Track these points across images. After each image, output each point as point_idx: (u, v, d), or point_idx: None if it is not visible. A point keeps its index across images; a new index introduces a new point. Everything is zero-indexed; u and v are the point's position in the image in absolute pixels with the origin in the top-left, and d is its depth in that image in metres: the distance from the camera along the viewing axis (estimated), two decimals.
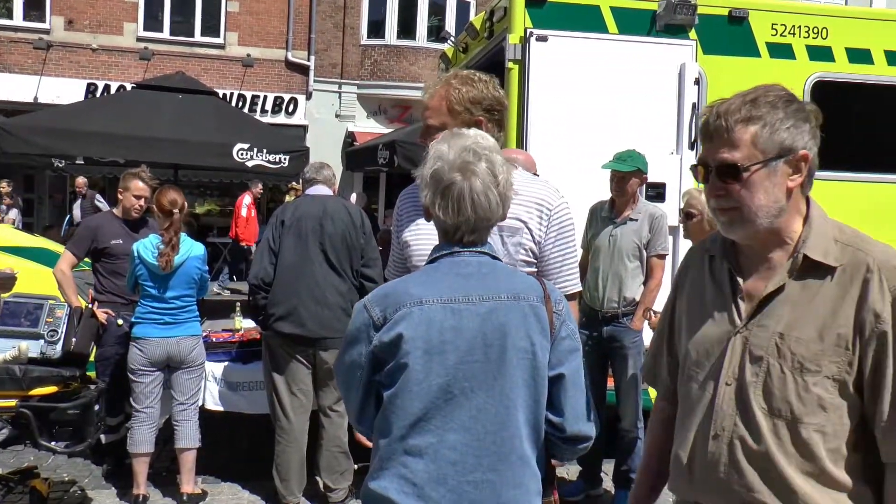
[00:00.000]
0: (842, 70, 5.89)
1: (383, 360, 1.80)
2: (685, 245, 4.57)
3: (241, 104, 16.82)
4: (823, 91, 5.83)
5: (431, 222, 1.94)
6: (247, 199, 13.85)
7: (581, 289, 2.82)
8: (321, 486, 4.81)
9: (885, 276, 1.62)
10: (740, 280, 1.77)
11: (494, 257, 1.91)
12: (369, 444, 1.93)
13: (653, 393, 4.41)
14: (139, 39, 16.85)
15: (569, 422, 1.87)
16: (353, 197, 14.35)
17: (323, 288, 4.60)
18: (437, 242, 1.95)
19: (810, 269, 1.68)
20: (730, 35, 5.65)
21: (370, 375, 1.83)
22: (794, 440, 1.64)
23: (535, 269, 2.46)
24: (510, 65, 5.25)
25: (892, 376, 1.59)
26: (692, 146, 5.43)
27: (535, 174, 4.49)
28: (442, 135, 1.98)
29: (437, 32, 16.33)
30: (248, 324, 5.77)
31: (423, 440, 1.76)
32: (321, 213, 4.66)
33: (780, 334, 1.67)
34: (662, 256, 4.69)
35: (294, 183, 13.31)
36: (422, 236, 2.43)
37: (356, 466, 4.76)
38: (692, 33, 5.55)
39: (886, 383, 1.60)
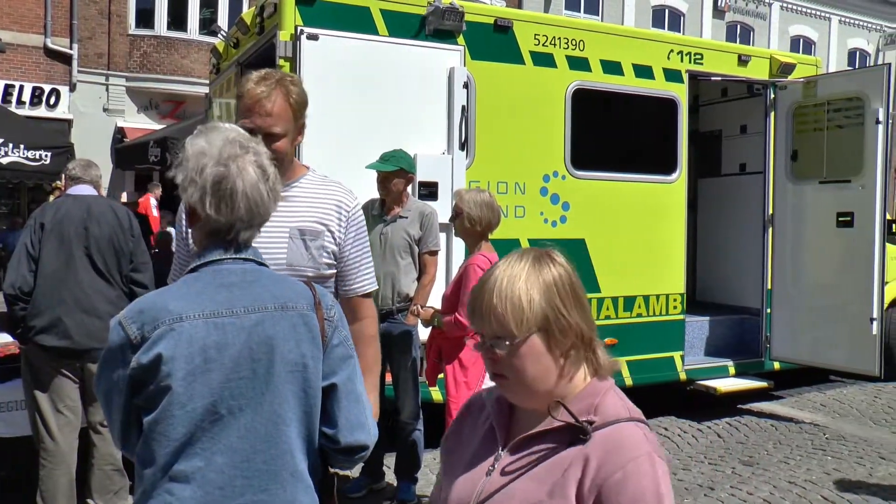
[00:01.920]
0: (598, 80, 6.42)
1: (142, 382, 1.66)
2: (458, 242, 4.79)
3: None
4: (582, 98, 6.33)
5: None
6: (152, 200, 13.63)
7: (377, 286, 2.88)
8: None
9: None
10: None
11: (261, 263, 1.83)
12: None
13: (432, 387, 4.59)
14: None
15: (342, 433, 1.81)
16: (124, 196, 13.61)
17: (90, 296, 4.34)
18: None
19: None
20: (496, 42, 5.97)
21: (130, 399, 1.69)
22: None
23: (335, 271, 2.49)
24: (281, 62, 5.21)
25: None
26: (462, 147, 5.68)
27: None
28: (199, 128, 1.85)
29: (209, 25, 15.79)
30: (5, 338, 5.31)
31: (189, 465, 1.65)
32: (85, 215, 4.39)
33: None
34: (434, 253, 4.87)
35: (58, 182, 12.42)
36: None
37: (131, 483, 4.55)
38: (460, 39, 5.80)
39: None
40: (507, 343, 1.45)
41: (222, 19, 16.50)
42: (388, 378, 4.91)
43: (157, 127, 16.21)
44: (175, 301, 1.69)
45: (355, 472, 5.14)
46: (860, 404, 7.38)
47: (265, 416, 1.70)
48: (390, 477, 5.08)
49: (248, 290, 1.74)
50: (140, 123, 16.82)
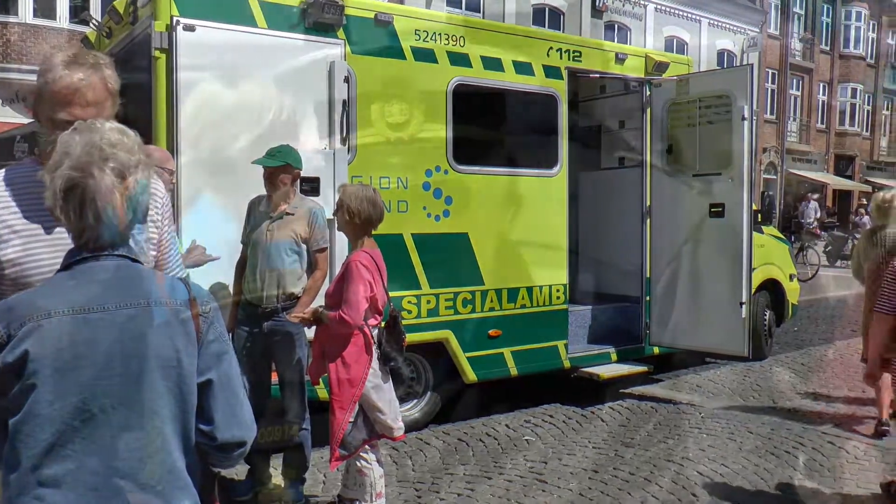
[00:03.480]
0: (478, 75, 6.48)
1: (8, 383, 1.62)
2: (341, 237, 4.75)
3: None
4: (463, 93, 6.38)
5: (50, 234, 1.80)
6: None
7: (187, 273, 2.80)
8: None
9: None
10: None
11: (135, 260, 1.81)
12: None
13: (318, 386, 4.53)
14: None
15: (219, 429, 1.81)
16: None
17: None
18: (62, 254, 1.79)
19: None
20: (377, 37, 5.93)
21: None
22: None
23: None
24: (157, 53, 5.01)
25: None
26: (344, 142, 5.63)
27: (169, 170, 4.40)
28: (77, 124, 1.79)
29: (79, 13, 15.07)
30: None
31: (59, 468, 1.61)
32: None
33: None
34: (323, 250, 4.81)
35: None
36: (40, 251, 2.09)
37: None
38: (341, 33, 5.72)
39: None
40: None
41: (94, 7, 15.78)
42: (274, 378, 4.82)
43: (25, 121, 15.35)
44: (44, 298, 1.67)
45: (241, 473, 5.03)
46: (732, 383, 7.78)
47: (140, 413, 1.68)
48: (278, 478, 4.99)
49: (121, 285, 1.73)
50: (5, 117, 15.90)
